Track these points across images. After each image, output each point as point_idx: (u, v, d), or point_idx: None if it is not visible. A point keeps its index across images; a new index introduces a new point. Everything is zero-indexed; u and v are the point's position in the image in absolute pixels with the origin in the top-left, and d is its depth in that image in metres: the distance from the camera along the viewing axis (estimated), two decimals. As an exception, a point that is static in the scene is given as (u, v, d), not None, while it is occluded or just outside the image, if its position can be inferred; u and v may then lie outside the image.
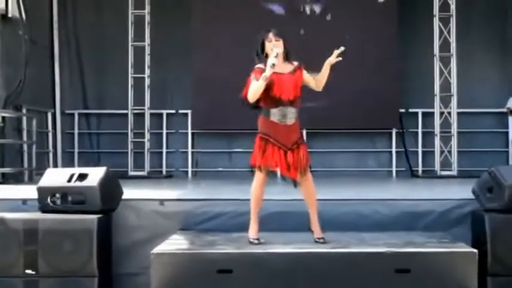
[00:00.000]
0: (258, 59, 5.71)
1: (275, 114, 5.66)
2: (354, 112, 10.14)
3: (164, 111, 11.51)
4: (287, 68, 5.71)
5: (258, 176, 5.75)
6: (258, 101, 5.66)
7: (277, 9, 11.18)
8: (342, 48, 5.64)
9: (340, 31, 10.88)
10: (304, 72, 5.77)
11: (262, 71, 5.56)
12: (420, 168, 11.24)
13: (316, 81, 5.80)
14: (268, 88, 5.57)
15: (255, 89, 5.55)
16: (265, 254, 5.50)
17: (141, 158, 11.17)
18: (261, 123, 5.75)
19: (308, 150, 5.85)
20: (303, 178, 5.75)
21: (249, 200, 5.83)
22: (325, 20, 11.12)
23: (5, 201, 6.70)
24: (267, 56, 5.65)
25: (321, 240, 5.76)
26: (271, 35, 5.69)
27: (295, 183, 5.79)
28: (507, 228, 5.87)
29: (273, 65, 5.50)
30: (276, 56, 5.56)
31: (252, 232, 5.81)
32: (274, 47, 5.63)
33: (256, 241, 5.75)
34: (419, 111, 11.30)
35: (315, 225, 5.84)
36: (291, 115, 5.66)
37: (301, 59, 5.81)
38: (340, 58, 5.66)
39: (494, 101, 10.82)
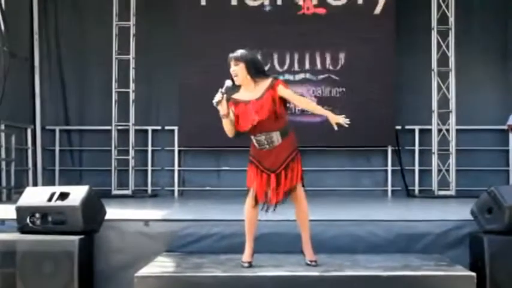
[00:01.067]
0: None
1: (255, 141, 5.59)
2: (348, 129, 9.87)
3: (149, 128, 11.34)
4: (254, 92, 5.49)
5: (250, 197, 5.65)
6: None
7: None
8: (347, 121, 5.58)
9: (335, 44, 10.86)
10: (280, 88, 5.49)
11: (233, 100, 5.49)
12: (417, 188, 11.09)
13: (305, 103, 5.78)
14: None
15: (224, 127, 5.54)
16: (255, 278, 5.40)
17: (125, 176, 10.98)
18: (251, 146, 5.69)
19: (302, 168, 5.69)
20: (294, 195, 5.63)
21: (238, 220, 5.80)
22: (320, 32, 10.97)
23: (-18, 222, 6.54)
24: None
25: (313, 263, 5.65)
26: (229, 59, 5.51)
27: (267, 207, 5.69)
28: (507, 251, 5.80)
29: (217, 103, 5.39)
30: (224, 92, 5.41)
31: (245, 255, 5.69)
32: (233, 72, 5.46)
33: (246, 264, 5.64)
34: (416, 128, 11.14)
35: (307, 247, 5.72)
36: (269, 140, 5.52)
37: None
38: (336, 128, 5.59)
39: (495, 118, 10.65)
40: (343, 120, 5.53)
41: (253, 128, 5.48)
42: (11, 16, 10.06)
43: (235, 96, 5.51)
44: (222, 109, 5.40)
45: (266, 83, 5.49)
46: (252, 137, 5.56)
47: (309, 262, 5.65)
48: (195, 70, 10.96)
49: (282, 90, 5.49)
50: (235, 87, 5.51)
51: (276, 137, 5.51)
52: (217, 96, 5.39)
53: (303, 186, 5.69)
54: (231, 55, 5.50)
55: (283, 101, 5.53)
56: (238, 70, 5.44)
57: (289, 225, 6.36)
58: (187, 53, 11.00)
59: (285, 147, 5.56)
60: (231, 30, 10.80)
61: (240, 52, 5.50)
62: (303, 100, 5.86)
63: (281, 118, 5.53)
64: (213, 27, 10.97)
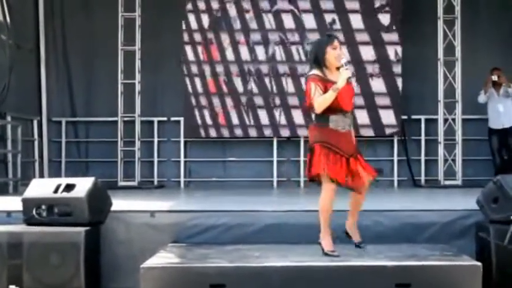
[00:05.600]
0: (317, 65, 5.58)
1: (336, 121, 5.56)
2: (354, 119, 9.97)
3: (155, 119, 11.32)
4: (338, 76, 5.61)
5: (329, 187, 5.54)
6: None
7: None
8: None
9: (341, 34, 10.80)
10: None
11: (320, 78, 5.51)
12: (423, 178, 11.06)
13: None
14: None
15: (323, 102, 5.49)
16: (260, 268, 5.39)
17: (132, 168, 10.96)
18: (317, 131, 5.61)
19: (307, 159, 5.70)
20: (366, 185, 5.70)
21: (244, 211, 5.71)
22: (324, 23, 10.96)
23: (-12, 214, 6.54)
24: (324, 62, 5.54)
25: (362, 245, 5.84)
26: (337, 42, 5.60)
27: (352, 189, 5.70)
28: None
29: (349, 78, 5.53)
30: (347, 68, 5.51)
31: (328, 244, 5.64)
32: (339, 55, 5.56)
33: (334, 253, 5.59)
34: (422, 117, 11.09)
35: (356, 231, 5.89)
36: (350, 122, 5.65)
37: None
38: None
39: (501, 107, 10.64)
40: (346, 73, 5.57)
41: (346, 108, 5.59)
42: (17, 8, 10.06)
43: (330, 77, 5.58)
44: (342, 85, 5.47)
45: (347, 72, 5.58)
46: (336, 116, 5.54)
47: (358, 244, 5.84)
48: (200, 61, 10.97)
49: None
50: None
51: (352, 121, 5.71)
52: (348, 73, 5.51)
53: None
54: (336, 38, 5.66)
55: None
56: (343, 53, 5.68)
57: (293, 216, 6.40)
58: (192, 44, 10.98)
59: (353, 137, 5.70)
60: (236, 23, 10.86)
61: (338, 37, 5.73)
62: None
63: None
64: (218, 17, 10.98)
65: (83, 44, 11.32)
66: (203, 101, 11.03)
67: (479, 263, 5.40)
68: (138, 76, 10.93)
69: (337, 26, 10.92)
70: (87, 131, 11.46)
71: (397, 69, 10.87)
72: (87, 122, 11.45)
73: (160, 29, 11.09)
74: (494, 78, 10.23)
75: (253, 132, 11.01)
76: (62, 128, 11.34)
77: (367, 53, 10.84)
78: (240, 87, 10.98)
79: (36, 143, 10.93)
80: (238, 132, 11.03)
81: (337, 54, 5.55)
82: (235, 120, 10.99)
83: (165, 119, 11.35)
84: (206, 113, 11.01)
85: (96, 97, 11.35)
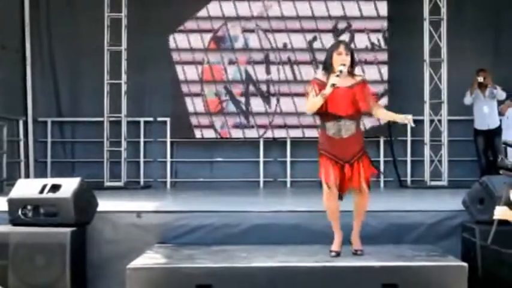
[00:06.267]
0: (326, 70, 5.63)
1: (330, 128, 5.62)
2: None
3: (142, 119, 11.27)
4: (346, 81, 5.62)
5: (325, 191, 5.65)
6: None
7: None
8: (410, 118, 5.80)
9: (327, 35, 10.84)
10: (368, 88, 5.73)
11: (320, 82, 5.56)
12: (409, 178, 11.09)
13: (376, 112, 5.85)
14: (324, 102, 5.53)
15: (312, 104, 5.58)
16: (247, 268, 5.41)
17: (118, 168, 10.91)
18: (320, 137, 5.76)
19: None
20: (360, 191, 5.68)
21: (230, 211, 5.70)
22: (310, 20, 11.00)
23: (-27, 214, 6.49)
24: (331, 67, 5.58)
25: (359, 252, 5.77)
26: (341, 48, 5.63)
27: (341, 196, 5.73)
28: (498, 241, 5.61)
29: (333, 85, 5.47)
30: (339, 75, 5.49)
31: (335, 244, 5.74)
32: (343, 61, 5.56)
33: (334, 253, 5.69)
34: (408, 118, 11.12)
35: (356, 237, 5.82)
36: (346, 128, 5.59)
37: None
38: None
39: (486, 108, 10.66)
40: (409, 118, 5.81)
41: (341, 114, 5.57)
42: (2, 7, 10.00)
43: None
44: (330, 91, 5.47)
45: (356, 78, 5.67)
46: (332, 123, 5.59)
47: (354, 251, 5.76)
48: (186, 61, 10.96)
49: (369, 90, 5.76)
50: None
51: (353, 127, 5.62)
52: (336, 80, 5.48)
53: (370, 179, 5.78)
54: (343, 43, 5.72)
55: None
56: (347, 60, 5.59)
57: (281, 217, 6.40)
58: (179, 45, 10.99)
59: (355, 142, 5.66)
60: (224, 22, 10.85)
61: (348, 43, 5.84)
62: (380, 112, 5.95)
63: (360, 113, 5.70)
64: (204, 19, 10.99)
65: (68, 44, 11.24)
66: (190, 101, 11.00)
67: (465, 264, 5.43)
68: (124, 76, 10.88)
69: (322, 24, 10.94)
70: (73, 131, 11.38)
71: (384, 70, 10.90)
72: (73, 122, 11.38)
73: (146, 29, 11.03)
74: (480, 79, 10.28)
75: (239, 133, 11.00)
76: (47, 128, 11.26)
77: (354, 53, 10.83)
78: (227, 87, 11.01)
79: (21, 143, 10.83)
80: (225, 132, 11.03)
81: (341, 60, 5.57)
82: (221, 120, 10.98)
83: (151, 119, 11.30)
84: (193, 113, 10.98)
85: (82, 97, 11.29)
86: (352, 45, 10.45)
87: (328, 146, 5.63)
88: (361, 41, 10.90)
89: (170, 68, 11.03)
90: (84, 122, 11.27)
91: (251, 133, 10.97)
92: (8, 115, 10.28)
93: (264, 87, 10.99)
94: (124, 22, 10.81)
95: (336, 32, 10.90)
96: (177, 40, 11.00)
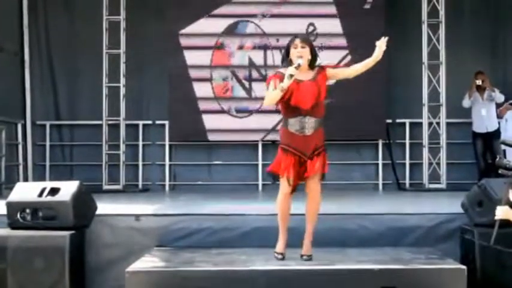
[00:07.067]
0: (285, 64, 5.62)
1: (293, 124, 5.58)
2: (339, 122, 10.00)
3: (140, 122, 11.29)
4: (307, 74, 5.61)
5: (283, 187, 5.66)
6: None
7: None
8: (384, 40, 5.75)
9: (325, 37, 10.89)
10: (329, 70, 5.69)
11: (282, 76, 5.48)
12: (407, 181, 11.09)
13: (352, 69, 5.80)
14: (288, 96, 5.50)
15: (270, 97, 5.56)
16: (245, 272, 5.40)
17: (116, 171, 10.91)
18: (282, 134, 5.70)
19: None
20: (311, 186, 5.63)
21: (229, 214, 5.69)
22: (310, 26, 11.01)
23: (-28, 217, 6.49)
24: (291, 62, 5.55)
25: (305, 257, 5.68)
26: (297, 41, 5.60)
27: (294, 189, 5.68)
28: (497, 244, 5.57)
29: (291, 76, 5.42)
30: (297, 67, 5.46)
31: (278, 246, 5.72)
32: (299, 53, 5.54)
33: (279, 256, 5.68)
34: (407, 121, 11.13)
35: (307, 241, 5.74)
36: (310, 125, 5.57)
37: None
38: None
39: (484, 111, 10.68)
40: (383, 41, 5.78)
41: (305, 109, 5.54)
42: (0, 10, 9.98)
43: (297, 76, 5.53)
44: (287, 83, 5.42)
45: (316, 69, 5.65)
46: (294, 119, 5.56)
47: (301, 255, 5.68)
48: (184, 64, 10.97)
49: (331, 70, 5.72)
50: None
51: (316, 124, 5.59)
52: (292, 70, 5.44)
53: (323, 180, 5.74)
54: (300, 37, 5.66)
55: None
56: (304, 52, 5.55)
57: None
58: (177, 47, 10.98)
59: (316, 138, 5.62)
60: (220, 23, 10.89)
61: (306, 36, 5.78)
62: (353, 68, 5.85)
63: (322, 106, 5.66)
64: (201, 21, 10.98)
65: (67, 47, 11.25)
66: (188, 104, 11.00)
67: (464, 267, 5.43)
68: (122, 80, 10.89)
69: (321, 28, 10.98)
70: (71, 134, 11.39)
71: (382, 73, 10.87)
72: (71, 126, 11.38)
73: (145, 33, 11.06)
74: (479, 82, 10.30)
75: (238, 136, 11.00)
76: (46, 132, 11.27)
77: (352, 56, 10.80)
78: (226, 91, 11.00)
79: (20, 146, 10.84)
80: (224, 136, 11.03)
81: (297, 52, 5.55)
82: (220, 124, 10.98)
83: (150, 122, 11.32)
84: (191, 116, 10.98)
85: (81, 100, 11.30)
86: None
87: (291, 141, 5.58)
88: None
89: (168, 70, 11.03)
90: (82, 125, 11.27)
91: (250, 136, 10.97)
92: (6, 118, 10.28)
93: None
94: (122, 25, 10.82)
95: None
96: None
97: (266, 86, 5.70)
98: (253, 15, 11.08)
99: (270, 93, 5.54)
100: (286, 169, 5.57)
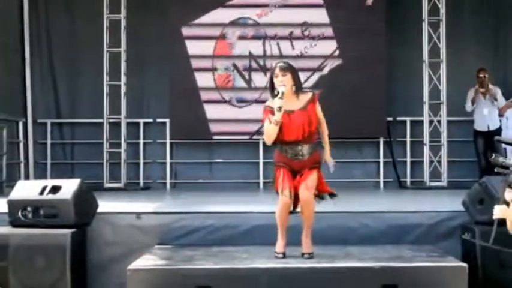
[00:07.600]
0: (272, 95, 5.59)
1: (286, 151, 5.60)
2: (340, 120, 10.01)
3: (141, 120, 11.28)
4: (297, 103, 5.58)
5: (282, 201, 5.62)
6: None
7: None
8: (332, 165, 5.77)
9: (327, 35, 10.88)
10: (318, 104, 5.65)
11: (272, 110, 5.46)
12: (408, 179, 11.08)
13: (323, 133, 5.78)
14: (279, 131, 5.50)
15: (268, 134, 5.53)
16: (247, 269, 5.40)
17: (117, 169, 10.89)
18: (276, 156, 5.70)
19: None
20: (303, 193, 5.59)
21: (230, 212, 5.69)
22: (312, 24, 10.99)
23: (-27, 215, 6.49)
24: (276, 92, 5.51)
25: (306, 256, 5.68)
26: (277, 70, 5.56)
27: (294, 208, 5.71)
28: (498, 242, 5.56)
29: (280, 108, 5.39)
30: (281, 97, 5.42)
31: (278, 246, 5.72)
32: (281, 82, 5.50)
33: (279, 255, 5.68)
34: (408, 119, 11.11)
35: (305, 239, 5.74)
36: (304, 152, 5.59)
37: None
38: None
39: (486, 108, 10.67)
40: (331, 163, 5.75)
41: (296, 139, 5.54)
42: (1, 8, 9.97)
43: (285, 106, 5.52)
44: (279, 116, 5.42)
45: (307, 96, 5.61)
46: (287, 147, 5.58)
47: (303, 253, 5.69)
48: (185, 62, 10.96)
49: (318, 107, 5.67)
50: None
51: (310, 149, 5.62)
52: (279, 102, 5.41)
53: (321, 198, 5.84)
54: (278, 65, 5.60)
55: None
56: (286, 80, 5.52)
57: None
58: (178, 46, 10.96)
59: (312, 160, 5.65)
60: (221, 23, 10.90)
61: (286, 63, 5.64)
62: (323, 132, 5.82)
63: (314, 134, 5.67)
64: (203, 20, 10.98)
65: (68, 45, 11.24)
66: (189, 102, 10.99)
67: (465, 264, 5.43)
68: (123, 78, 10.88)
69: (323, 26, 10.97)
70: (72, 132, 11.38)
71: (383, 71, 10.88)
72: (72, 124, 11.37)
73: (145, 31, 11.04)
74: (483, 91, 10.28)
75: (239, 134, 11.00)
76: (47, 130, 11.26)
77: (353, 54, 10.82)
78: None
79: (21, 144, 10.84)
80: (225, 133, 11.02)
81: (278, 82, 5.52)
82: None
83: (151, 120, 11.32)
84: (192, 114, 10.97)
85: (82, 98, 11.28)
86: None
87: (285, 162, 5.60)
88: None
89: (169, 69, 11.01)
90: (83, 124, 11.27)
91: (251, 134, 10.97)
92: (7, 116, 10.29)
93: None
94: (123, 23, 10.80)
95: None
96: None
97: (262, 123, 5.64)
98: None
99: (267, 129, 5.51)
100: (283, 184, 5.56)
